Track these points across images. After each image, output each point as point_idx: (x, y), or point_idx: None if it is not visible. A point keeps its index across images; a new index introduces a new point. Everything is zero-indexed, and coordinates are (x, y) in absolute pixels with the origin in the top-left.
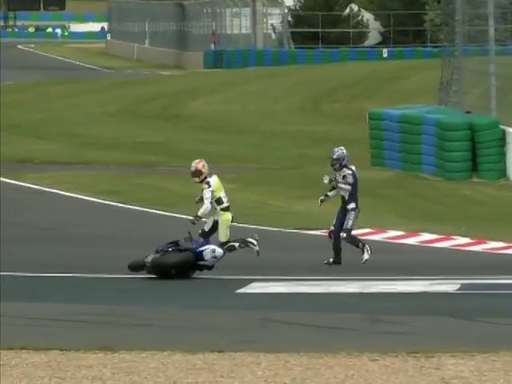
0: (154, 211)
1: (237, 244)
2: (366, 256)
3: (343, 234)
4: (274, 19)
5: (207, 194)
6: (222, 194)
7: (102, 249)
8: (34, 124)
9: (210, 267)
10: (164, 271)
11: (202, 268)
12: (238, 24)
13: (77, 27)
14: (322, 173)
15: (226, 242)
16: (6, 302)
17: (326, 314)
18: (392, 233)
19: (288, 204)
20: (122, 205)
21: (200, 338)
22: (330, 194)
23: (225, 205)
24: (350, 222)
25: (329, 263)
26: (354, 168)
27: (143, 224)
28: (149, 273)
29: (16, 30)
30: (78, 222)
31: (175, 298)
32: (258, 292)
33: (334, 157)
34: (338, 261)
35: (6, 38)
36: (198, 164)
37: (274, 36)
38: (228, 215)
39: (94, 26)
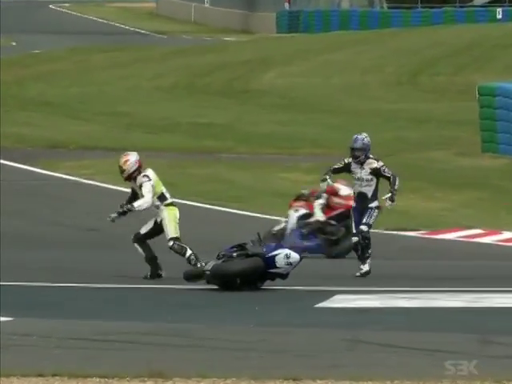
0: (216, 208)
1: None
2: (366, 267)
3: (364, 228)
4: None
5: (147, 187)
6: (163, 190)
7: (163, 255)
8: (71, 101)
9: (283, 276)
10: (227, 280)
11: (273, 277)
12: None
13: None
14: (422, 160)
15: (178, 238)
16: (37, 319)
17: (426, 334)
18: (508, 234)
19: (380, 200)
20: (178, 200)
21: (272, 362)
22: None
23: (169, 200)
24: (372, 219)
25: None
26: None
27: (202, 223)
28: (209, 283)
29: None
30: (125, 222)
31: (241, 314)
32: (342, 306)
33: (359, 146)
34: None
35: None
36: (123, 158)
37: None
38: (175, 210)
39: None
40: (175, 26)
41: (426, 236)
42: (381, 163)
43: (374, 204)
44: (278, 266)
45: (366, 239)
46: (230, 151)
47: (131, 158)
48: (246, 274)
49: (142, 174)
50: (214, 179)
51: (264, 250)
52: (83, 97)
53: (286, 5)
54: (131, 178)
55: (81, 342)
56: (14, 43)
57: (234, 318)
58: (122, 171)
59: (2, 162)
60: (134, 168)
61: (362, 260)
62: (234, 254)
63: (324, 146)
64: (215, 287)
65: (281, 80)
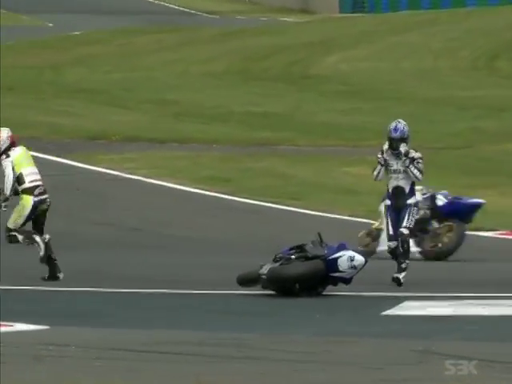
0: (273, 205)
1: (21, 237)
2: (401, 277)
3: (405, 231)
4: None
5: (5, 164)
6: (24, 171)
7: (203, 256)
8: (113, 88)
9: (346, 280)
10: (285, 286)
11: (336, 281)
12: None
13: None
14: (500, 153)
15: (11, 230)
16: (75, 328)
17: (504, 345)
18: None
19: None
20: (231, 197)
21: (336, 375)
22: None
23: (26, 185)
24: (413, 220)
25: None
26: None
27: (257, 222)
28: (265, 288)
29: None
30: (173, 221)
31: (301, 323)
32: (412, 314)
33: (399, 136)
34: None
35: None
36: None
37: None
38: (29, 199)
39: None
40: (228, 5)
41: (505, 236)
42: (419, 154)
43: (412, 200)
44: (340, 269)
45: (405, 243)
46: (287, 143)
47: (3, 134)
48: (306, 279)
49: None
50: (270, 174)
51: (325, 251)
52: (127, 83)
53: None
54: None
55: (123, 352)
56: (50, 24)
57: (292, 326)
58: None
59: (35, 154)
60: (6, 145)
61: (399, 270)
62: (293, 257)
63: None
64: (272, 293)
65: (344, 65)
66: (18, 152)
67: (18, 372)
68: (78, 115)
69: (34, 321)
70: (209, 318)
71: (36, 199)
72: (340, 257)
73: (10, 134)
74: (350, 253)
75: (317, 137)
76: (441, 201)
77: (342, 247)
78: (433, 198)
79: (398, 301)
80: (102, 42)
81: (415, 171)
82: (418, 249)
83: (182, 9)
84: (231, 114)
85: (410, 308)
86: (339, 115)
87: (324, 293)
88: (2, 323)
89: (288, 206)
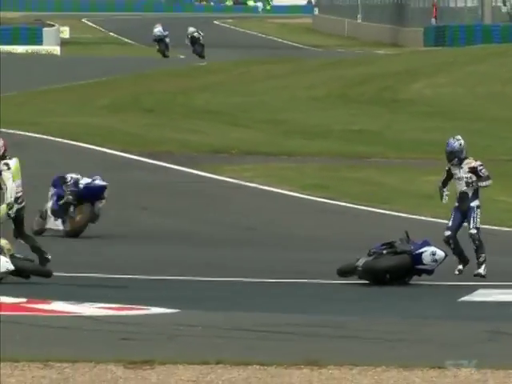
0: (366, 208)
1: None
2: (481, 271)
3: (474, 231)
4: None
5: (7, 176)
6: (15, 183)
7: (307, 252)
8: (234, 109)
9: (429, 272)
10: (378, 276)
11: (420, 273)
12: None
13: (280, 0)
14: None
15: None
16: (201, 311)
17: None
18: None
19: None
20: (331, 201)
21: (419, 352)
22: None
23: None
24: (479, 220)
25: (460, 271)
26: None
27: (353, 223)
28: (360, 278)
29: (212, 3)
30: (282, 221)
31: (391, 308)
32: (484, 300)
33: (450, 149)
34: (466, 262)
35: (201, 13)
36: None
37: (504, 9)
38: (4, 208)
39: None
40: (329, 40)
41: None
42: (479, 162)
43: (475, 203)
44: (424, 262)
45: (477, 241)
46: (379, 156)
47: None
48: (395, 270)
49: (3, 162)
50: (364, 182)
51: (411, 247)
52: (245, 105)
53: (433, 20)
54: None
55: (243, 332)
56: (182, 56)
57: (385, 310)
58: None
59: (169, 165)
60: (0, 153)
61: (478, 265)
62: (384, 252)
63: (468, 150)
64: (366, 282)
65: (428, 90)
66: (14, 163)
67: (154, 349)
68: (205, 133)
69: (166, 305)
70: (312, 304)
71: (19, 206)
72: (424, 252)
73: (2, 143)
74: (432, 248)
75: (404, 151)
76: (81, 185)
77: (425, 244)
78: (76, 183)
79: (471, 289)
80: (224, 71)
81: (483, 183)
82: (62, 228)
83: (291, 43)
84: (331, 132)
85: (483, 295)
86: (423, 133)
87: (410, 282)
88: (140, 307)
89: (379, 209)
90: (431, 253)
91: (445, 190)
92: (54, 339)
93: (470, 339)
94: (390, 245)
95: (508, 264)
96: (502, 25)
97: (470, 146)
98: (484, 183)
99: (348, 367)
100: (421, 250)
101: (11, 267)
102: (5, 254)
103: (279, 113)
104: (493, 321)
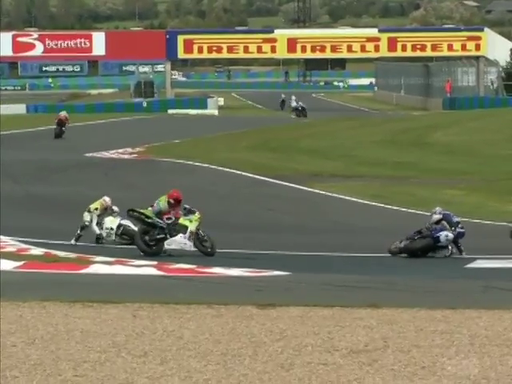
0: (407, 210)
1: None
2: None
3: None
4: (492, 75)
5: None
6: None
7: (373, 237)
8: (324, 149)
9: (445, 247)
10: (413, 253)
11: (439, 249)
12: (467, 79)
13: (353, 81)
14: None
15: None
16: (304, 273)
17: None
18: None
19: (502, 205)
20: (386, 205)
21: (438, 298)
22: None
23: None
24: None
25: None
26: None
27: (398, 219)
28: (401, 253)
29: (311, 83)
30: (353, 219)
31: (421, 271)
32: (481, 267)
33: None
34: None
35: (303, 89)
36: None
37: (491, 87)
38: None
39: (365, 81)
40: (384, 106)
41: None
42: None
43: None
44: (441, 241)
45: None
46: (415, 177)
47: None
48: (423, 248)
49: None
50: (406, 193)
51: (432, 232)
52: (331, 147)
53: (448, 94)
54: None
55: (331, 286)
56: (293, 116)
57: (417, 272)
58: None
59: (284, 183)
60: None
61: None
62: (415, 237)
63: (470, 173)
64: (406, 255)
65: (445, 137)
66: None
67: (275, 296)
68: (306, 164)
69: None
70: (374, 269)
71: None
72: (440, 235)
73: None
74: (445, 232)
75: (429, 174)
76: None
77: (440, 230)
78: None
79: (474, 259)
80: (319, 125)
81: None
82: None
83: (358, 107)
84: (385, 163)
85: (481, 263)
86: (441, 163)
87: (432, 255)
88: (266, 270)
89: (415, 210)
90: (445, 235)
91: None
92: (213, 290)
93: (471, 291)
94: (419, 232)
95: (497, 243)
96: (491, 97)
97: (469, 171)
98: None
99: (396, 308)
100: (438, 234)
101: (187, 248)
102: (188, 236)
103: (352, 151)
104: (486, 279)
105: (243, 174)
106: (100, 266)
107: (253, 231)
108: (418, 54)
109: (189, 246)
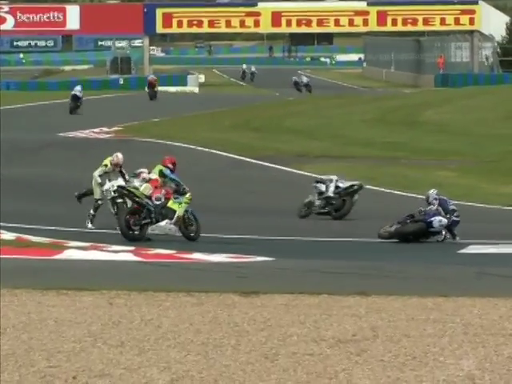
0: (396, 192)
1: None
2: None
3: None
4: (487, 51)
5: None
6: None
7: (362, 221)
8: (310, 128)
9: (438, 233)
10: (404, 237)
11: (432, 234)
12: (460, 54)
13: (341, 57)
14: None
15: None
16: (289, 259)
17: None
18: None
19: (496, 187)
20: (375, 188)
21: (430, 285)
22: None
23: None
24: None
25: None
26: None
27: (389, 202)
28: (392, 238)
29: (297, 59)
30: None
31: (412, 256)
32: (475, 252)
33: None
34: None
35: (289, 66)
36: None
37: (486, 63)
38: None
39: (354, 57)
40: (373, 83)
41: None
42: None
43: None
44: (434, 226)
45: None
46: (405, 158)
47: None
48: (416, 233)
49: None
50: (396, 175)
51: (425, 217)
52: (317, 126)
53: (440, 70)
54: None
55: (316, 272)
56: (277, 94)
57: (408, 258)
58: None
59: (268, 164)
60: None
61: None
62: (408, 221)
63: (461, 154)
64: (396, 240)
65: (436, 116)
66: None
67: (258, 283)
68: (291, 143)
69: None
70: (361, 255)
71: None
72: (434, 220)
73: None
74: (439, 218)
75: (421, 155)
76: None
77: (434, 214)
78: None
79: (466, 245)
80: (305, 103)
81: None
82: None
83: (346, 85)
84: (374, 143)
85: (473, 249)
86: (433, 143)
87: (424, 240)
88: (248, 256)
89: (405, 192)
90: (439, 220)
91: None
92: (193, 277)
93: (464, 277)
94: (412, 216)
95: (488, 228)
96: (485, 74)
97: (461, 151)
98: None
99: (385, 296)
100: (432, 219)
101: (172, 233)
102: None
103: (340, 130)
104: (479, 265)
105: (225, 154)
106: (74, 252)
107: (235, 215)
108: (409, 28)
109: (174, 230)
